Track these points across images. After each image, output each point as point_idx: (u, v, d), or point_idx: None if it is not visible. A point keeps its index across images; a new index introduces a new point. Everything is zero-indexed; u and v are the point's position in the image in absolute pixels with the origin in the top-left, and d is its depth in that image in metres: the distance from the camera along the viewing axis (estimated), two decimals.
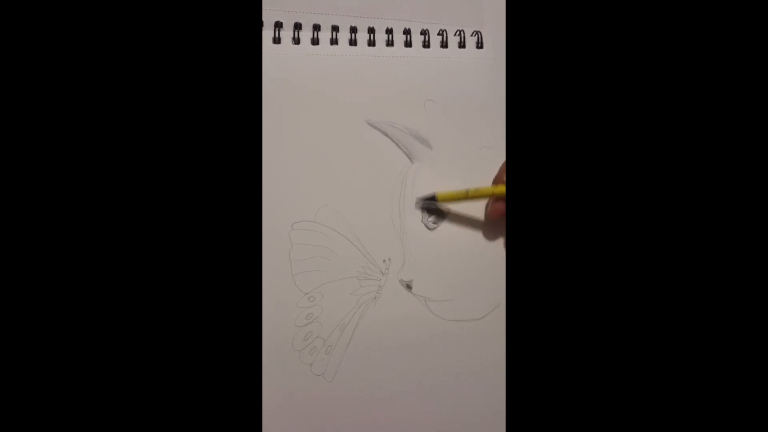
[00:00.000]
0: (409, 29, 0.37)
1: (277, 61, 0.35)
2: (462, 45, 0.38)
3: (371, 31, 0.37)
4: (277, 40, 0.36)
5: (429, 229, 0.35)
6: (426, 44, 0.37)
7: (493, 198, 0.33)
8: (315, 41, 0.36)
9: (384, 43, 0.37)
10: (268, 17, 0.36)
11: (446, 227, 0.35)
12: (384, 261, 0.34)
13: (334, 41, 0.36)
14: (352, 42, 0.37)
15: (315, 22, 0.37)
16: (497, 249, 0.34)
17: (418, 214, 0.35)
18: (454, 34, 0.38)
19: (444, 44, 0.38)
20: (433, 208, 0.34)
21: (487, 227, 0.35)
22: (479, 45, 0.38)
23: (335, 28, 0.37)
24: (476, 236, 0.35)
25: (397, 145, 0.35)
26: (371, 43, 0.37)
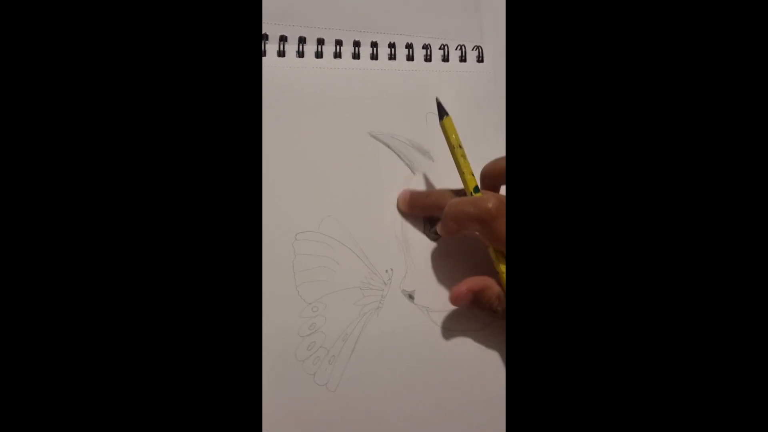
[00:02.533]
0: (412, 44, 0.38)
1: (282, 74, 0.36)
2: (463, 59, 0.39)
3: (374, 45, 0.38)
4: (281, 54, 0.37)
5: (431, 239, 0.35)
6: (428, 58, 0.38)
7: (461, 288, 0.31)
8: (319, 55, 0.37)
9: (386, 56, 0.38)
10: (273, 31, 0.37)
11: (448, 238, 0.35)
12: (386, 271, 0.34)
13: (337, 55, 0.37)
14: (355, 56, 0.37)
15: (319, 37, 0.37)
16: None
17: (420, 226, 0.35)
18: (456, 49, 0.39)
19: (445, 58, 0.38)
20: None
21: None
22: (480, 59, 0.39)
23: (339, 43, 0.37)
24: (478, 247, 0.35)
25: (399, 156, 0.36)
26: (374, 56, 0.37)
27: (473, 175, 0.32)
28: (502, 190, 0.33)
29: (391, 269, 0.34)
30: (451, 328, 0.34)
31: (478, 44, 0.39)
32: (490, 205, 0.29)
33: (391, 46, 0.38)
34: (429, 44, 0.38)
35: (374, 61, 0.37)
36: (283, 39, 0.37)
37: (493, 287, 0.31)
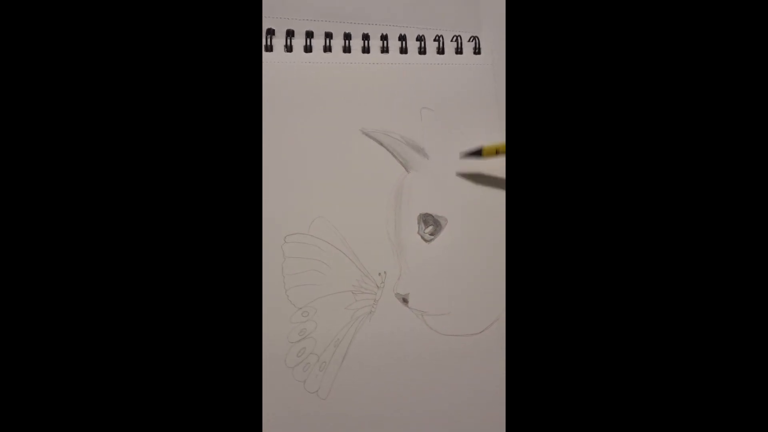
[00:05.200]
0: (405, 35, 0.37)
1: (269, 70, 0.35)
2: (459, 51, 0.37)
3: (365, 37, 0.36)
4: (268, 48, 0.35)
5: (426, 240, 0.34)
6: (422, 50, 0.37)
7: None
8: (308, 48, 0.35)
9: (379, 49, 0.36)
10: None
11: (443, 239, 0.34)
12: (379, 274, 0.33)
13: (327, 48, 0.36)
14: (346, 49, 0.36)
15: (308, 29, 0.36)
16: (497, 260, 0.33)
17: (415, 226, 0.34)
18: (451, 40, 0.37)
19: (440, 50, 0.37)
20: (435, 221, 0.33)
21: (487, 238, 0.34)
22: (477, 50, 0.37)
23: (328, 35, 0.36)
24: (475, 247, 0.34)
25: (392, 154, 0.34)
26: (365, 49, 0.36)
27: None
28: None
29: (385, 272, 0.33)
30: (447, 332, 0.32)
31: (474, 34, 0.37)
32: None
33: (383, 38, 0.36)
34: (423, 35, 0.37)
35: (366, 54, 0.36)
36: (270, 32, 0.35)
37: None
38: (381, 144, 0.34)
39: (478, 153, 0.33)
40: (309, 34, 0.36)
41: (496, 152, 0.33)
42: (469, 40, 0.37)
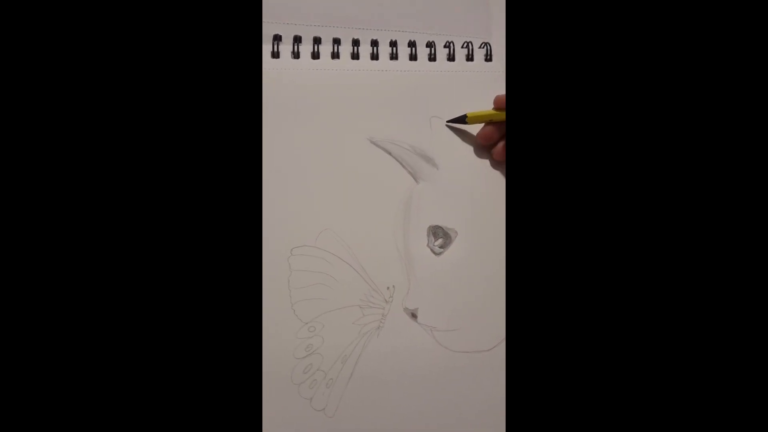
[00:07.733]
0: (414, 41, 0.36)
1: (276, 77, 0.34)
2: (470, 57, 0.36)
3: (374, 43, 0.35)
4: (275, 55, 0.34)
5: (435, 254, 0.33)
6: (432, 57, 0.36)
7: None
8: (315, 55, 0.35)
9: (388, 56, 0.35)
10: (266, 30, 0.35)
11: (454, 252, 0.33)
12: (388, 288, 0.32)
13: (335, 55, 0.35)
14: (355, 56, 0.35)
15: (315, 35, 0.35)
16: None
17: (424, 239, 0.33)
18: (462, 46, 0.36)
19: (451, 57, 0.36)
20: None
21: (498, 252, 0.33)
22: (488, 57, 0.36)
23: (336, 41, 0.35)
24: (486, 261, 0.33)
25: (401, 164, 0.34)
26: (374, 56, 0.35)
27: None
28: None
29: (393, 286, 0.32)
30: (457, 349, 0.32)
31: (486, 41, 0.37)
32: None
33: (393, 44, 0.35)
34: (433, 42, 0.36)
35: (374, 61, 0.35)
36: (276, 38, 0.35)
37: None
38: (389, 154, 0.34)
39: (462, 120, 0.34)
40: (317, 40, 0.35)
41: (481, 119, 0.34)
42: (480, 47, 0.36)
